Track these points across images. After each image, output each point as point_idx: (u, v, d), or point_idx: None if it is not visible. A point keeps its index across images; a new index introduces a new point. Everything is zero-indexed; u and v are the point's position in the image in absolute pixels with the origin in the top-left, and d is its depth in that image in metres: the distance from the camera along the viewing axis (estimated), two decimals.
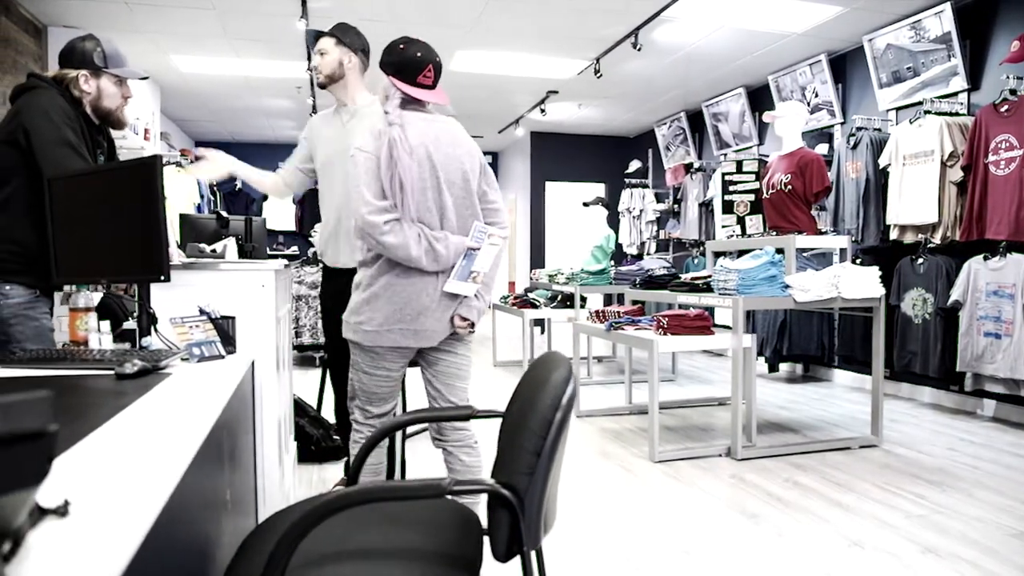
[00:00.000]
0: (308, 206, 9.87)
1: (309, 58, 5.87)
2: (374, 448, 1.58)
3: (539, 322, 6.91)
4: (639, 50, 5.32)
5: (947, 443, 3.81)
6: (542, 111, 7.70)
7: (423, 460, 3.43)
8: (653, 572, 2.29)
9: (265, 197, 9.87)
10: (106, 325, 1.89)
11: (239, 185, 9.74)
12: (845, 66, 5.69)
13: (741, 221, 4.53)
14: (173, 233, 2.42)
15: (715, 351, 7.14)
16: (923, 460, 3.50)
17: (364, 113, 2.72)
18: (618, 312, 4.17)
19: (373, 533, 1.28)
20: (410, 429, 3.61)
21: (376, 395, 2.14)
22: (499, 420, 1.65)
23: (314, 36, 2.75)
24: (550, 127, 9.00)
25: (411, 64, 2.03)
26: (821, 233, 4.36)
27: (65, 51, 2.27)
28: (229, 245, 2.65)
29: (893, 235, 4.84)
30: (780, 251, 3.83)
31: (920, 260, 4.67)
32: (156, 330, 1.88)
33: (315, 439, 3.42)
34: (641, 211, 8.63)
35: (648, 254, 8.42)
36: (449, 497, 1.20)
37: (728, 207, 4.58)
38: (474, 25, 5.23)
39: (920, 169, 4.58)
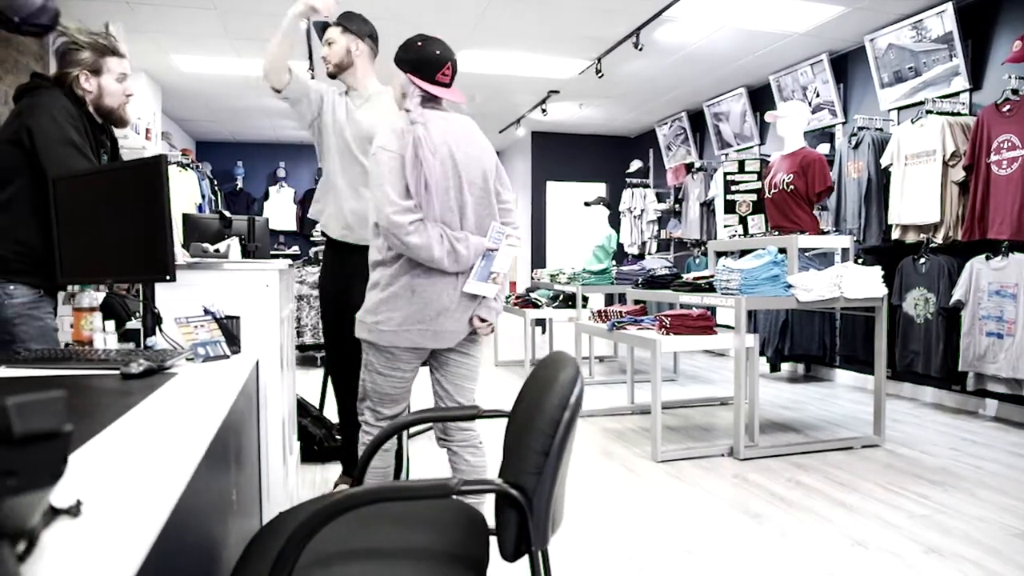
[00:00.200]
0: (309, 206, 9.89)
1: (310, 56, 5.87)
2: (379, 448, 1.58)
3: (540, 322, 6.92)
4: (640, 50, 5.32)
5: (949, 443, 3.81)
6: (543, 111, 7.70)
7: (424, 460, 3.43)
8: (656, 572, 2.29)
9: (266, 197, 9.91)
10: (111, 325, 1.89)
11: (240, 185, 9.77)
12: (846, 66, 5.68)
13: (743, 221, 4.53)
14: (176, 233, 2.42)
15: (716, 351, 7.14)
16: (926, 460, 3.50)
17: (375, 100, 2.71)
18: (620, 312, 4.18)
19: (379, 533, 1.28)
20: (412, 429, 3.62)
21: (389, 396, 2.12)
22: (503, 420, 1.66)
23: (321, 27, 2.76)
24: (551, 127, 9.00)
25: (430, 62, 2.02)
26: (823, 233, 4.36)
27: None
28: (232, 245, 2.66)
29: (895, 235, 4.84)
30: (782, 251, 3.83)
31: (922, 260, 4.67)
32: (161, 330, 1.88)
33: (318, 439, 3.42)
34: (642, 211, 8.64)
35: (649, 254, 8.42)
36: (455, 497, 1.20)
37: (730, 207, 4.58)
38: (476, 25, 5.22)
39: (922, 169, 4.58)
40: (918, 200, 4.60)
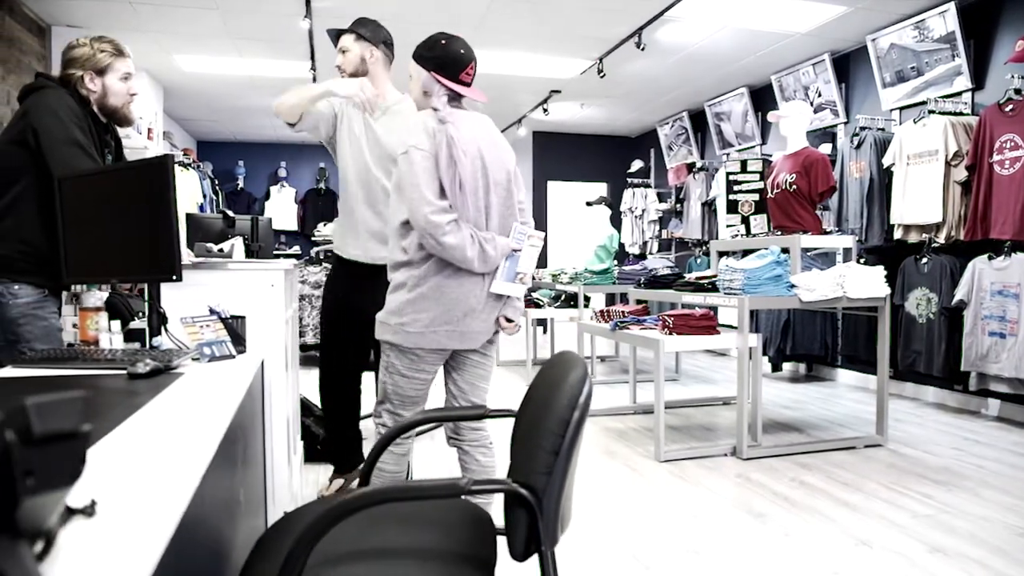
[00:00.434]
0: (310, 206, 9.89)
1: (312, 56, 5.88)
2: (387, 447, 1.58)
3: (541, 322, 6.92)
4: (642, 50, 5.32)
5: (952, 443, 3.81)
6: (545, 111, 7.70)
7: (424, 459, 3.43)
8: (662, 571, 2.29)
9: (267, 196, 9.91)
10: (116, 325, 1.89)
11: (241, 184, 9.77)
12: (848, 66, 5.68)
13: (745, 221, 4.53)
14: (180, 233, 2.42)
15: (717, 351, 7.14)
16: (928, 460, 3.50)
17: (395, 110, 2.66)
18: (623, 312, 4.18)
19: (387, 533, 1.28)
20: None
21: (410, 398, 2.09)
22: (507, 421, 1.66)
23: (335, 35, 2.71)
24: (552, 127, 9.00)
25: (456, 61, 2.00)
26: (826, 233, 4.36)
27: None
28: (236, 244, 2.66)
29: (897, 235, 4.84)
30: (785, 251, 3.83)
31: (924, 260, 4.67)
32: (166, 329, 1.88)
33: (321, 439, 3.42)
34: (643, 211, 8.64)
35: (650, 254, 8.42)
36: (462, 497, 1.20)
37: (732, 207, 4.58)
38: (478, 25, 5.22)
39: (924, 169, 4.58)
40: (920, 200, 4.60)
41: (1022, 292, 4.06)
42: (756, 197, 4.49)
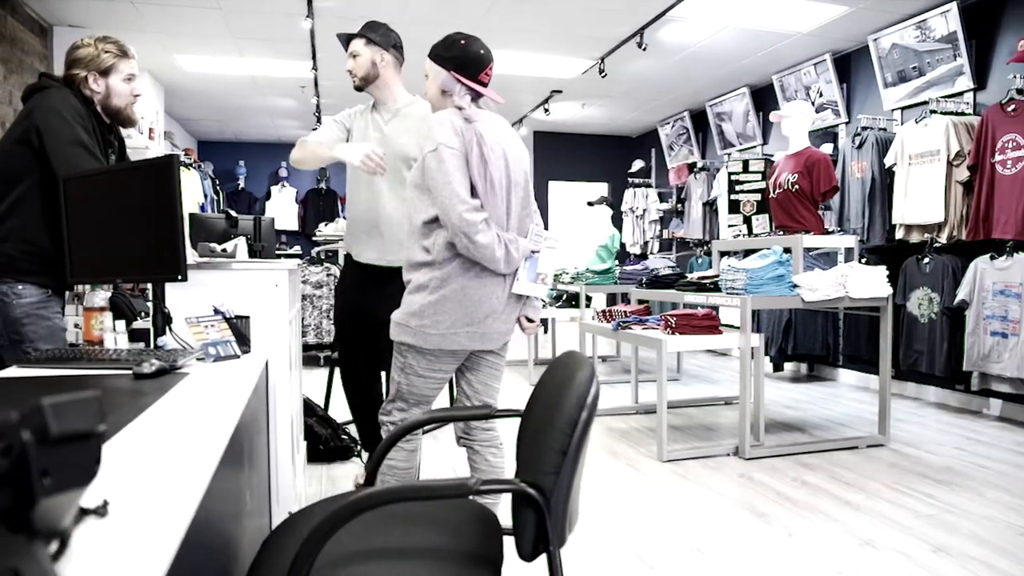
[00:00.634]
0: (311, 206, 9.89)
1: (314, 57, 5.88)
2: (394, 446, 1.58)
3: (543, 321, 6.90)
4: (644, 50, 5.32)
5: (954, 442, 3.81)
6: (546, 110, 7.70)
7: (429, 459, 3.42)
8: (667, 571, 2.29)
9: (268, 196, 9.91)
10: (121, 324, 1.89)
11: (241, 184, 9.77)
12: (850, 66, 5.68)
13: (747, 221, 4.53)
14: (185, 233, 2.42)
15: (719, 350, 7.14)
16: (931, 459, 3.50)
17: (406, 113, 2.66)
18: (625, 311, 4.18)
19: (395, 533, 1.28)
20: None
21: (425, 398, 2.08)
22: (513, 420, 1.66)
23: (345, 39, 2.70)
24: (553, 126, 9.00)
25: (476, 61, 2.00)
26: (828, 233, 4.36)
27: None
28: (240, 244, 2.65)
29: (899, 235, 4.84)
30: (787, 251, 3.83)
31: (926, 259, 4.67)
32: (171, 329, 1.87)
33: (324, 438, 3.42)
34: (644, 211, 8.64)
35: (651, 253, 8.42)
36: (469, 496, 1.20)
37: (734, 206, 4.58)
38: (480, 24, 5.22)
39: (926, 169, 4.58)
40: (922, 200, 4.60)
41: None
42: (758, 197, 4.49)
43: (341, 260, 6.90)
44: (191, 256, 2.11)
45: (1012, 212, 4.07)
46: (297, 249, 9.47)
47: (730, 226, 4.65)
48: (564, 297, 6.15)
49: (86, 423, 0.57)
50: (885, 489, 3.06)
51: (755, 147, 6.84)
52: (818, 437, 3.93)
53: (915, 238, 4.75)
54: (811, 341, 5.54)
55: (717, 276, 3.88)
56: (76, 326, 3.59)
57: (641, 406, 4.61)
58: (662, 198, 8.51)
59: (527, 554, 1.13)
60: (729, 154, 7.22)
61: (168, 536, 0.70)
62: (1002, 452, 3.63)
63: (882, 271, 3.67)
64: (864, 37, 5.24)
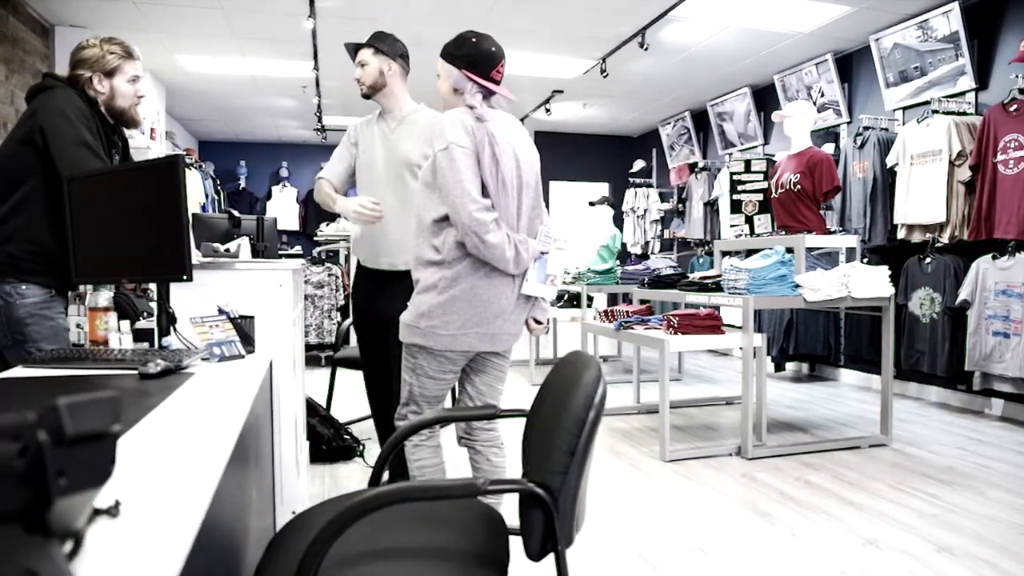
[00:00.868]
0: (311, 206, 9.88)
1: (315, 57, 5.88)
2: (398, 445, 1.58)
3: None
4: (646, 50, 5.32)
5: (956, 442, 3.81)
6: (547, 110, 7.70)
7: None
8: (670, 570, 2.29)
9: (269, 196, 9.90)
10: (126, 325, 1.89)
11: (242, 184, 9.77)
12: (851, 66, 5.68)
13: (749, 220, 4.53)
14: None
15: (720, 350, 7.14)
16: (933, 459, 3.50)
17: (412, 120, 2.72)
18: (627, 311, 4.18)
19: (402, 532, 1.28)
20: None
21: (436, 399, 2.07)
22: (513, 421, 1.66)
23: (353, 49, 2.76)
24: (554, 126, 9.00)
25: (487, 58, 1.99)
26: (830, 233, 4.36)
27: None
28: (243, 244, 2.66)
29: (900, 234, 4.84)
30: (789, 250, 3.83)
31: (928, 259, 4.67)
32: (175, 329, 1.88)
33: (326, 439, 3.42)
34: (645, 211, 8.64)
35: (652, 253, 8.42)
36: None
37: (736, 206, 4.58)
38: (483, 24, 5.20)
39: (928, 168, 4.58)
40: (924, 200, 4.60)
41: None
42: (760, 197, 4.49)
43: (342, 260, 6.90)
44: (195, 256, 2.11)
45: (1014, 212, 4.07)
46: (298, 249, 9.47)
47: (732, 226, 4.65)
48: (566, 297, 6.15)
49: (101, 423, 0.57)
50: (888, 489, 3.06)
51: (756, 147, 6.84)
52: (820, 437, 3.93)
53: (917, 238, 4.75)
54: (812, 341, 5.54)
55: (719, 276, 3.88)
56: (78, 326, 3.58)
57: (643, 406, 4.61)
58: (663, 198, 8.51)
59: (535, 554, 1.13)
60: (730, 154, 7.22)
61: (180, 536, 0.70)
62: (1004, 452, 3.63)
63: (884, 271, 3.67)
64: (866, 37, 5.24)
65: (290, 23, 5.08)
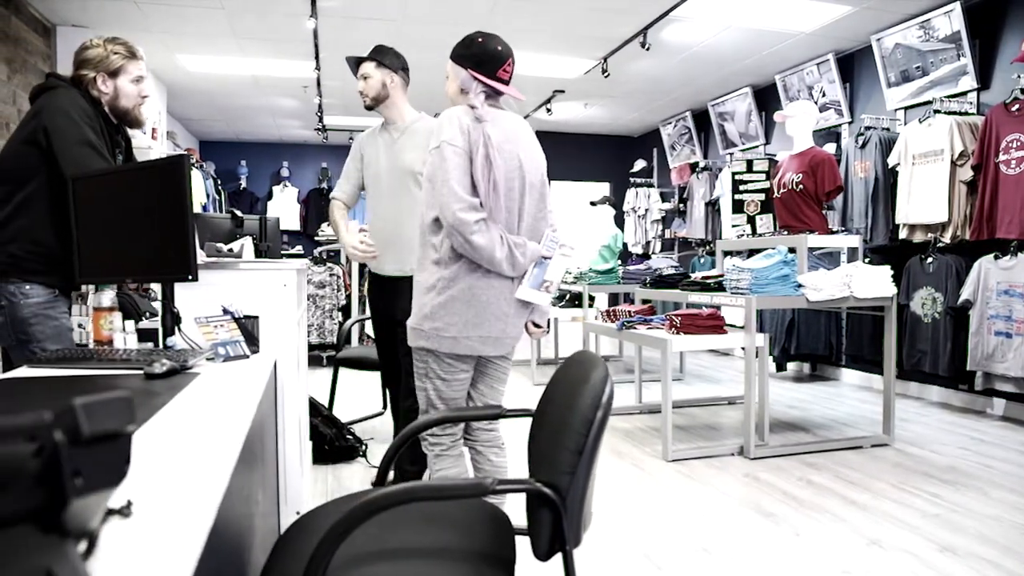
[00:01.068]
0: (312, 206, 9.89)
1: (317, 57, 5.88)
2: (403, 447, 1.58)
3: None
4: (647, 49, 5.31)
5: (958, 442, 3.81)
6: (548, 110, 7.70)
7: None
8: (674, 570, 2.29)
9: (270, 196, 9.90)
10: (131, 325, 1.89)
11: (243, 184, 9.77)
12: (853, 65, 5.68)
13: (751, 220, 4.53)
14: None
15: (721, 350, 7.14)
16: (936, 459, 3.50)
17: (413, 129, 2.81)
18: (629, 311, 4.18)
19: (409, 532, 1.28)
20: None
21: (454, 400, 2.05)
22: (516, 421, 1.66)
23: (355, 62, 2.87)
24: (555, 126, 8.99)
25: (493, 57, 1.98)
26: (832, 232, 4.36)
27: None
28: (246, 244, 2.66)
29: (902, 234, 4.84)
30: (791, 250, 3.83)
31: (929, 259, 4.67)
32: (179, 329, 1.88)
33: (328, 439, 3.42)
34: (646, 210, 8.64)
35: (653, 253, 8.42)
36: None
37: (738, 206, 4.58)
38: (483, 24, 5.21)
39: (930, 168, 4.58)
40: (926, 200, 4.60)
41: None
42: (762, 197, 4.49)
43: (343, 260, 6.90)
44: (199, 256, 2.11)
45: (1016, 212, 4.07)
46: (299, 249, 9.47)
47: (734, 226, 4.65)
48: (567, 297, 6.15)
49: (117, 423, 0.57)
50: (891, 489, 3.06)
51: (757, 147, 6.84)
52: (822, 437, 3.93)
53: (918, 238, 4.75)
54: (814, 341, 5.54)
55: (721, 276, 3.88)
56: (80, 326, 3.58)
57: (645, 406, 4.61)
58: (664, 198, 8.51)
59: (543, 554, 1.13)
60: (731, 154, 7.22)
61: (192, 537, 0.70)
62: (1006, 452, 3.63)
63: (887, 271, 3.67)
64: (867, 37, 5.24)
65: (291, 23, 5.08)
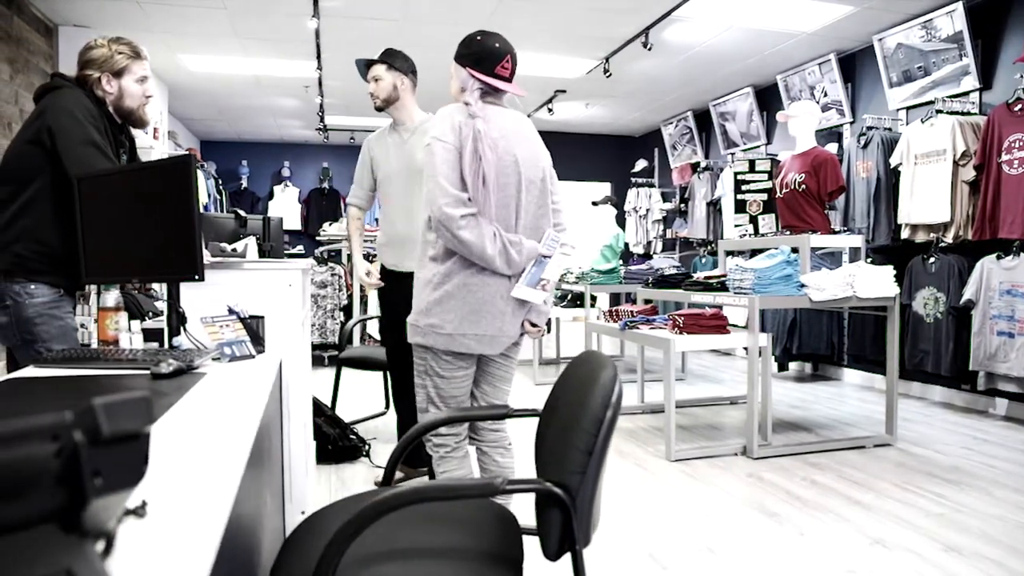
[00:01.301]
0: (313, 205, 9.88)
1: (318, 57, 5.88)
2: (410, 447, 1.58)
3: (547, 321, 6.90)
4: (649, 49, 5.31)
5: (961, 442, 3.81)
6: (550, 110, 7.70)
7: None
8: (679, 570, 2.29)
9: (271, 196, 9.90)
10: (136, 325, 1.89)
11: (244, 184, 9.77)
12: (854, 65, 5.68)
13: (754, 220, 4.53)
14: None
15: (723, 350, 7.14)
16: (939, 459, 3.50)
17: (423, 130, 2.85)
18: (632, 311, 4.17)
19: (417, 532, 1.28)
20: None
21: (455, 398, 2.04)
22: (519, 420, 1.66)
23: (365, 64, 2.92)
24: (557, 126, 8.99)
25: (490, 54, 1.98)
26: (835, 232, 4.36)
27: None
28: (250, 244, 2.65)
29: (904, 234, 4.84)
30: (794, 250, 3.83)
31: (932, 259, 4.67)
32: (185, 329, 1.88)
33: (332, 439, 3.42)
34: (647, 210, 8.64)
35: (655, 253, 8.42)
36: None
37: (740, 206, 4.58)
38: (484, 24, 5.22)
39: (932, 168, 4.58)
40: (928, 199, 4.60)
41: None
42: (764, 197, 4.49)
43: (344, 259, 6.90)
44: (204, 256, 2.11)
45: (1019, 212, 4.07)
46: (300, 249, 9.47)
47: (736, 226, 4.65)
48: (569, 297, 6.15)
49: (136, 423, 0.57)
50: (894, 488, 3.06)
51: (759, 147, 6.84)
52: (825, 437, 3.93)
53: (921, 238, 4.75)
54: (816, 340, 5.54)
55: (724, 276, 3.88)
56: (82, 326, 3.58)
57: (647, 405, 4.61)
58: (665, 198, 8.51)
59: (553, 554, 1.13)
60: (733, 154, 7.22)
61: (207, 537, 0.70)
62: (1009, 451, 3.63)
63: (889, 271, 3.67)
64: (869, 37, 5.24)
65: (293, 23, 5.08)
